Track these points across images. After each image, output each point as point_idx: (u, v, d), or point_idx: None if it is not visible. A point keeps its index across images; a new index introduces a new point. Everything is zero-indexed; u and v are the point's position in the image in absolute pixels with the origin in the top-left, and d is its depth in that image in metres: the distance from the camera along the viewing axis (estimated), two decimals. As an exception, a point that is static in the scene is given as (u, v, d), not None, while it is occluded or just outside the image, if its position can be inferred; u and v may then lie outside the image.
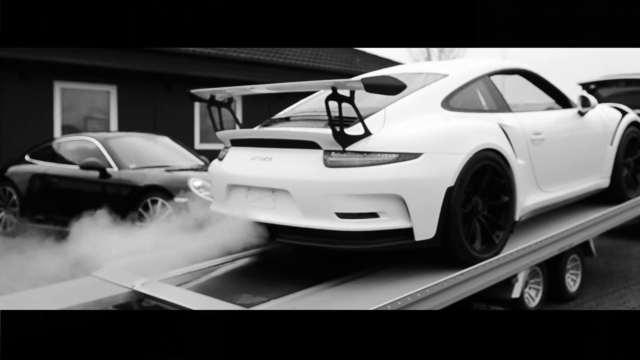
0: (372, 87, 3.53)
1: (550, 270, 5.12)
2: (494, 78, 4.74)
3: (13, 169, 8.80)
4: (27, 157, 8.88)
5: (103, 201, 7.24)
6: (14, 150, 10.64)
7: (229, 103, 4.48)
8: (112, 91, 12.81)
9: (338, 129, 3.64)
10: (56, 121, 12.05)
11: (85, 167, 7.57)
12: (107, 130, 12.62)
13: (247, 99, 14.23)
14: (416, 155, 3.70)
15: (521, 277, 4.52)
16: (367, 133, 3.72)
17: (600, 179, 5.62)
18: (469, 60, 4.94)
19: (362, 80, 3.48)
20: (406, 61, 34.74)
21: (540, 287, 4.99)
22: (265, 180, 3.98)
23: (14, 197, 8.60)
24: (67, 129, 12.06)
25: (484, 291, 4.20)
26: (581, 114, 5.39)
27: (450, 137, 3.92)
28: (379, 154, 3.67)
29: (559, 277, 5.23)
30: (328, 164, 3.71)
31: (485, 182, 4.10)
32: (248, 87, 4.15)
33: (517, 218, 4.37)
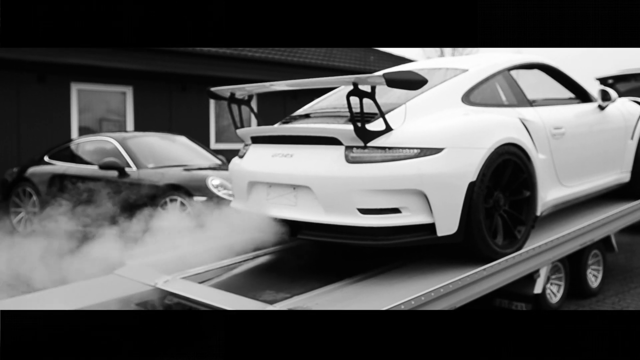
0: (394, 82, 3.53)
1: (572, 266, 5.09)
2: (513, 72, 4.73)
3: (32, 169, 8.88)
4: (46, 158, 8.95)
5: (122, 201, 7.32)
6: (33, 151, 10.73)
7: (249, 100, 4.50)
8: (128, 92, 12.87)
9: (359, 124, 3.64)
10: (73, 122, 12.13)
11: (104, 167, 7.62)
12: (124, 130, 12.70)
13: (262, 97, 14.25)
14: (438, 150, 3.70)
15: (543, 273, 4.51)
16: (389, 128, 3.72)
17: (621, 174, 5.60)
18: (488, 54, 4.92)
19: (384, 75, 3.48)
20: (420, 59, 34.63)
21: (562, 283, 4.97)
22: (286, 176, 3.98)
23: (34, 197, 8.67)
24: (84, 130, 12.14)
25: (506, 287, 4.19)
26: (601, 108, 5.37)
27: (471, 131, 3.92)
28: (400, 150, 3.67)
29: (580, 272, 5.20)
30: (350, 160, 3.71)
31: (506, 176, 4.09)
32: (267, 84, 4.17)
33: (538, 213, 4.35)
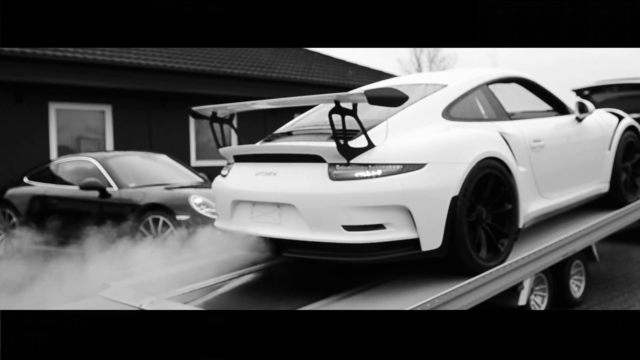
0: (375, 99, 3.56)
1: (555, 277, 5.14)
2: (492, 87, 4.78)
3: (12, 191, 8.79)
4: (25, 179, 8.87)
5: (104, 221, 7.26)
6: (12, 172, 10.62)
7: (230, 119, 4.51)
8: (107, 111, 12.80)
9: (342, 141, 3.66)
10: (52, 142, 12.04)
11: (85, 187, 7.56)
12: (103, 149, 12.62)
13: (243, 115, 14.24)
14: (420, 166, 3.73)
15: (527, 285, 4.54)
16: (371, 145, 3.75)
17: (600, 184, 5.66)
18: (466, 69, 4.98)
19: (365, 92, 3.51)
20: (397, 72, 34.91)
21: (546, 294, 5.01)
22: (270, 195, 3.99)
23: (14, 219, 8.58)
24: (63, 150, 12.04)
25: (491, 300, 4.21)
26: (579, 120, 5.44)
27: (453, 146, 3.95)
28: (383, 166, 3.70)
29: (563, 283, 5.26)
30: (333, 177, 3.73)
31: (488, 190, 4.13)
32: (249, 102, 4.18)
33: (520, 225, 4.39)
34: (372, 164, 3.70)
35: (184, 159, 12.83)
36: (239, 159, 4.40)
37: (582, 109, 5.42)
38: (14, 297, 5.57)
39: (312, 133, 4.28)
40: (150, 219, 6.89)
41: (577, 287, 5.52)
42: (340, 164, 3.75)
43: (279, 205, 3.96)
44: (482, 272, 4.00)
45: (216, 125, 4.50)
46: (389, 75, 17.57)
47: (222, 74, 13.52)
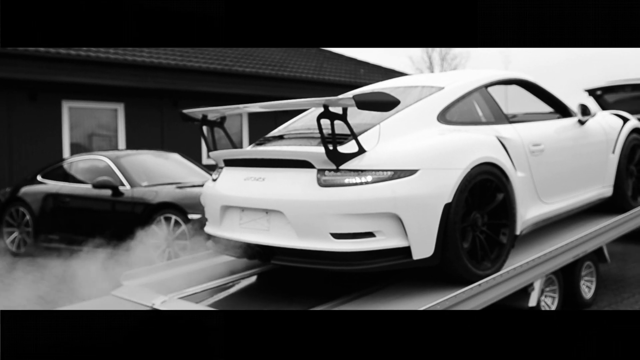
0: (364, 104, 3.47)
1: (566, 278, 5.12)
2: (491, 89, 4.67)
3: (25, 189, 8.87)
4: (39, 177, 8.94)
5: (116, 219, 7.33)
6: (25, 170, 10.72)
7: (221, 122, 4.43)
8: (120, 109, 12.89)
9: (331, 147, 3.57)
10: (65, 140, 12.14)
11: (97, 186, 7.62)
12: (116, 147, 12.70)
13: (253, 114, 14.30)
14: (412, 172, 3.64)
15: (537, 286, 4.52)
16: (361, 150, 3.65)
17: (603, 188, 5.54)
18: (465, 71, 4.85)
19: (354, 97, 3.41)
20: (409, 70, 34.88)
21: (556, 295, 5.00)
22: (258, 201, 3.91)
23: (27, 217, 8.65)
24: (76, 147, 12.14)
25: (501, 301, 4.21)
26: (581, 122, 5.30)
27: (446, 152, 3.85)
28: (373, 172, 3.60)
29: (574, 284, 5.23)
30: (322, 184, 3.64)
31: (484, 196, 4.03)
32: (241, 106, 4.11)
33: (518, 232, 4.29)
34: (363, 170, 3.61)
35: (195, 158, 12.90)
36: (229, 163, 4.32)
37: (585, 111, 5.28)
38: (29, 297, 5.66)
39: (304, 137, 4.19)
40: (162, 217, 6.93)
41: (587, 288, 5.50)
42: (330, 170, 3.65)
43: (267, 211, 3.88)
44: (477, 281, 3.89)
45: (208, 129, 4.45)
46: (400, 74, 17.55)
47: (234, 73, 13.56)
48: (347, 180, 3.60)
